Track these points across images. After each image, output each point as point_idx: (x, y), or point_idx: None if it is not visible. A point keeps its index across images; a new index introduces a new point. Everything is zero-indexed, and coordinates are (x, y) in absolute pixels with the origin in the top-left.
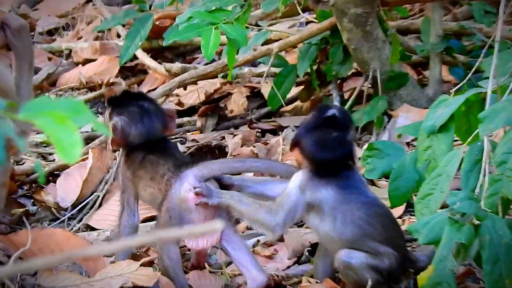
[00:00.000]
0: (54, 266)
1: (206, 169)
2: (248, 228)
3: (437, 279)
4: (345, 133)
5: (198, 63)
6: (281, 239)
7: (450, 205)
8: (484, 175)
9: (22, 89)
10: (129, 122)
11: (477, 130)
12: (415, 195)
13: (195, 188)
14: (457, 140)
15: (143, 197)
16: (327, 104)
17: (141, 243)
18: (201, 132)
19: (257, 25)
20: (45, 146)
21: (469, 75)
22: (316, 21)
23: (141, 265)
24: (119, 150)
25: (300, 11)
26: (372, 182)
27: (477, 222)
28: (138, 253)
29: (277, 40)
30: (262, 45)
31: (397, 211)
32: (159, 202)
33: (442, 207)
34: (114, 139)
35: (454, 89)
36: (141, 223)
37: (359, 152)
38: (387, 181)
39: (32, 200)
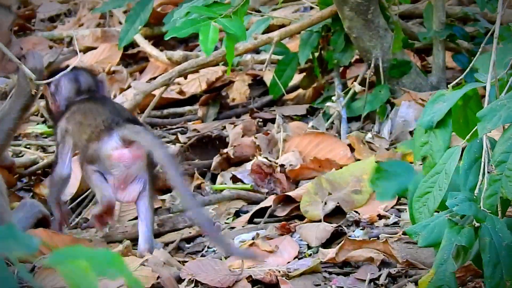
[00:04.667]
0: None
1: (132, 132)
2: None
3: (438, 283)
4: None
5: (200, 50)
6: (282, 233)
7: (450, 207)
8: (483, 175)
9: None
10: (54, 75)
11: (476, 127)
12: None
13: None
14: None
15: (78, 145)
16: None
17: None
18: (202, 122)
19: (258, 11)
20: (45, 137)
21: (471, 65)
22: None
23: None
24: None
25: None
26: None
27: (477, 224)
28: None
29: (279, 26)
30: (264, 32)
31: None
32: (86, 154)
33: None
34: (53, 101)
35: (452, 84)
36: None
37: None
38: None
39: (32, 194)
